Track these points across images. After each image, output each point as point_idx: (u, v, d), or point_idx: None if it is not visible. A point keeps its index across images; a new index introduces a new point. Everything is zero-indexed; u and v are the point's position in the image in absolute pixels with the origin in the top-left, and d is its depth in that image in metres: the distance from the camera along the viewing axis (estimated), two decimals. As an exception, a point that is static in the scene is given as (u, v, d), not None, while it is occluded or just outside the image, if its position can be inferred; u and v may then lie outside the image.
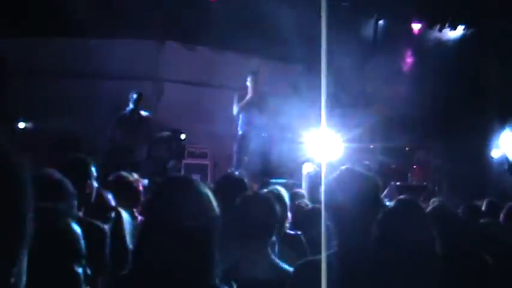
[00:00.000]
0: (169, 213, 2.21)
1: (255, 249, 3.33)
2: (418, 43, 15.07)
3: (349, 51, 14.19)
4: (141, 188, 5.45)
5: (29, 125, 12.29)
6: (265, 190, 4.97)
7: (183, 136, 11.86)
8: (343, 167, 2.91)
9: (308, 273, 2.63)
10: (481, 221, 4.15)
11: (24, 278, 1.20)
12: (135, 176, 5.55)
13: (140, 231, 2.33)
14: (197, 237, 2.18)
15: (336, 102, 14.13)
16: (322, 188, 2.73)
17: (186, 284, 2.13)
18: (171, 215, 2.20)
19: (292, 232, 4.71)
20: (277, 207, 3.53)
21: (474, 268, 2.64)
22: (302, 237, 4.67)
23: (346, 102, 13.85)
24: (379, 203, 2.77)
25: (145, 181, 10.16)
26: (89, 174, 3.92)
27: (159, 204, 2.28)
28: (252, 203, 3.52)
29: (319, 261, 2.64)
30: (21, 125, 12.28)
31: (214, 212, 2.26)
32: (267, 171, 10.38)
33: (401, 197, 3.59)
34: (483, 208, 6.20)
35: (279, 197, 4.67)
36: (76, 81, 12.76)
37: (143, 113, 10.48)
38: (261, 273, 2.97)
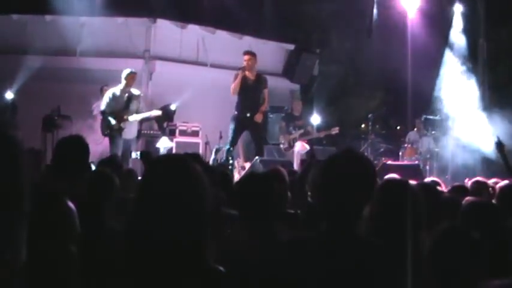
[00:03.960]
0: (161, 193, 2.20)
1: (259, 231, 3.32)
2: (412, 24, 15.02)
3: (341, 29, 14.18)
4: None
5: (17, 95, 12.17)
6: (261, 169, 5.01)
7: (173, 107, 11.84)
8: (340, 147, 2.89)
9: (294, 252, 2.64)
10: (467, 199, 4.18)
11: (23, 252, 1.21)
12: None
13: (132, 211, 2.32)
14: (189, 217, 2.18)
15: (328, 81, 14.17)
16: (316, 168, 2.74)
17: (179, 264, 2.14)
18: (163, 195, 2.19)
19: (291, 211, 4.73)
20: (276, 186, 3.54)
21: (462, 245, 2.65)
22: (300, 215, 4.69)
23: (338, 82, 13.85)
24: (372, 189, 2.76)
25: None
26: (86, 154, 3.91)
27: (151, 184, 2.27)
28: (251, 184, 3.52)
29: (305, 240, 2.66)
30: (9, 95, 12.17)
31: (207, 191, 2.26)
32: (260, 150, 10.45)
33: (390, 176, 3.61)
34: (469, 187, 6.23)
35: (279, 176, 4.72)
36: (68, 58, 12.70)
37: (134, 91, 10.45)
38: (266, 255, 2.91)
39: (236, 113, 10.47)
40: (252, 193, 3.45)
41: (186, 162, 2.31)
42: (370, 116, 13.63)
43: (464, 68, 14.72)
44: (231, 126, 10.49)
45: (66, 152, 3.74)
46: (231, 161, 10.38)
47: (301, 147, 12.26)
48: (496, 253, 2.84)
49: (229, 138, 10.50)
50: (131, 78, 10.35)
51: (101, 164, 5.30)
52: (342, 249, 2.53)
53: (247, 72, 10.46)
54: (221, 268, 2.25)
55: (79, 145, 3.85)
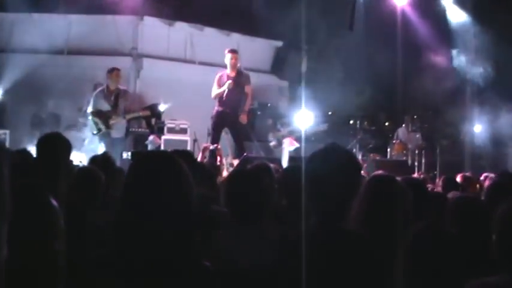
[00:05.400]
0: (147, 191, 2.19)
1: (250, 232, 3.26)
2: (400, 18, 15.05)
3: (329, 26, 14.18)
4: None
5: (5, 94, 12.12)
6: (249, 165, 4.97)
7: (162, 107, 11.83)
8: (326, 143, 2.89)
9: (282, 250, 2.64)
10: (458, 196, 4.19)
11: (4, 251, 1.19)
12: None
13: (118, 210, 2.30)
14: (177, 215, 2.17)
15: (317, 78, 14.15)
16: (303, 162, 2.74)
17: (168, 262, 2.14)
18: (149, 193, 2.18)
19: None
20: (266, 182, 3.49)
21: (438, 244, 2.64)
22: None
23: (327, 79, 13.85)
24: (359, 181, 2.77)
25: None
26: (65, 151, 3.87)
27: (137, 182, 2.26)
28: (241, 181, 3.45)
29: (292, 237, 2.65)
30: None
31: (193, 188, 2.26)
32: (241, 149, 10.41)
33: (377, 172, 3.61)
34: (459, 182, 6.27)
35: (267, 171, 4.68)
36: (54, 57, 12.62)
37: (121, 88, 10.42)
38: (259, 259, 2.86)
39: (216, 109, 10.38)
40: (241, 192, 3.35)
41: (170, 159, 2.29)
42: (359, 110, 13.68)
43: (452, 61, 14.76)
44: (211, 124, 10.42)
45: (45, 149, 3.72)
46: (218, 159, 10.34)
47: (289, 143, 12.25)
48: (478, 250, 2.85)
49: (211, 136, 10.41)
50: (116, 75, 10.31)
51: (93, 161, 5.26)
52: (329, 243, 2.53)
53: (229, 70, 10.34)
54: (209, 264, 2.24)
55: (58, 142, 3.82)
